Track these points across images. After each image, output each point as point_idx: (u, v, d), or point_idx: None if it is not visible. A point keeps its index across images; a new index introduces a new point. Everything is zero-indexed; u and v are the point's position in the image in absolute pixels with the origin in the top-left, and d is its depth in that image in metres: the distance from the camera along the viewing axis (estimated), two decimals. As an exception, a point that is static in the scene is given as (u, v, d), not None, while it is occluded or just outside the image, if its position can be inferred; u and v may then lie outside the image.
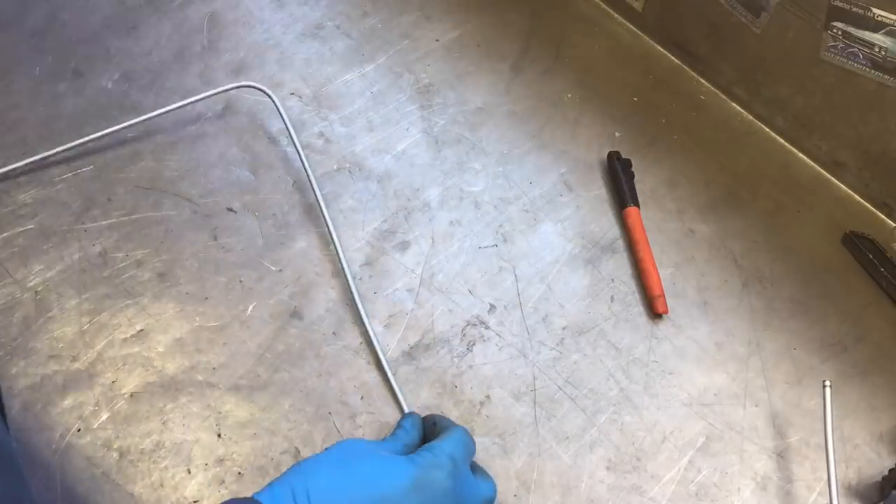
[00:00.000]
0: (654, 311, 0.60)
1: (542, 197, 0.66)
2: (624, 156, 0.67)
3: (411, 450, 0.51)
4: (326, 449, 0.48)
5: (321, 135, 0.69)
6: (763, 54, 0.67)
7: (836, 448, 0.55)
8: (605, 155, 0.68)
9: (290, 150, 0.68)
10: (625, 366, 0.58)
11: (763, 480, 0.54)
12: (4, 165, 0.64)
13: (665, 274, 0.62)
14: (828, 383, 0.52)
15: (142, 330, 0.58)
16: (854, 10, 0.57)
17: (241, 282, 0.61)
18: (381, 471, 0.46)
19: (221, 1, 0.77)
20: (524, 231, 0.64)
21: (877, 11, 0.56)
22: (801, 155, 0.70)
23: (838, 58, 0.61)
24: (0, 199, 0.63)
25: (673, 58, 0.75)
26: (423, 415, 0.54)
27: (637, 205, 0.64)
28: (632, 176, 0.66)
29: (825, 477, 0.52)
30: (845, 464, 0.55)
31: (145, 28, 0.75)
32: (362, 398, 0.56)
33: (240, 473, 0.53)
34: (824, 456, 0.51)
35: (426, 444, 0.49)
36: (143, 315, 0.59)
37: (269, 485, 0.45)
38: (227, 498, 0.46)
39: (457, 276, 0.61)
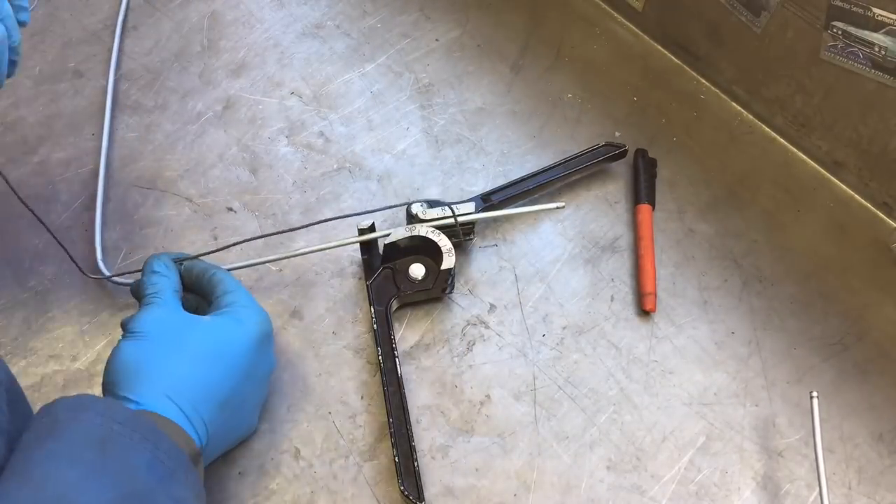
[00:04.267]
0: (643, 307, 0.60)
1: (542, 197, 0.66)
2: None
3: (180, 292, 0.54)
4: (137, 332, 0.49)
5: (321, 134, 0.69)
6: (763, 54, 0.67)
7: (836, 448, 0.55)
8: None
9: (290, 149, 0.68)
10: (625, 365, 0.58)
11: (763, 480, 0.54)
12: (4, 165, 0.65)
13: (665, 274, 0.62)
14: (815, 394, 0.52)
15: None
16: (854, 9, 0.57)
17: (241, 282, 0.60)
18: (222, 341, 0.50)
19: (221, 1, 0.77)
20: (524, 231, 0.64)
21: (877, 11, 0.56)
22: (801, 155, 0.70)
23: (838, 57, 0.61)
24: (0, 199, 0.63)
25: (673, 57, 0.75)
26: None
27: (652, 204, 0.65)
28: (653, 175, 0.66)
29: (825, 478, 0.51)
30: (845, 463, 0.55)
31: (145, 28, 0.75)
32: (362, 398, 0.56)
33: (240, 473, 0.53)
34: (822, 459, 0.51)
35: (228, 298, 0.53)
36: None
37: (115, 388, 0.47)
38: None
39: (456, 276, 0.61)
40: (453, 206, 0.60)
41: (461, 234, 0.60)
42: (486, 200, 0.63)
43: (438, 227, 0.59)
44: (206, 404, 0.47)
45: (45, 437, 0.40)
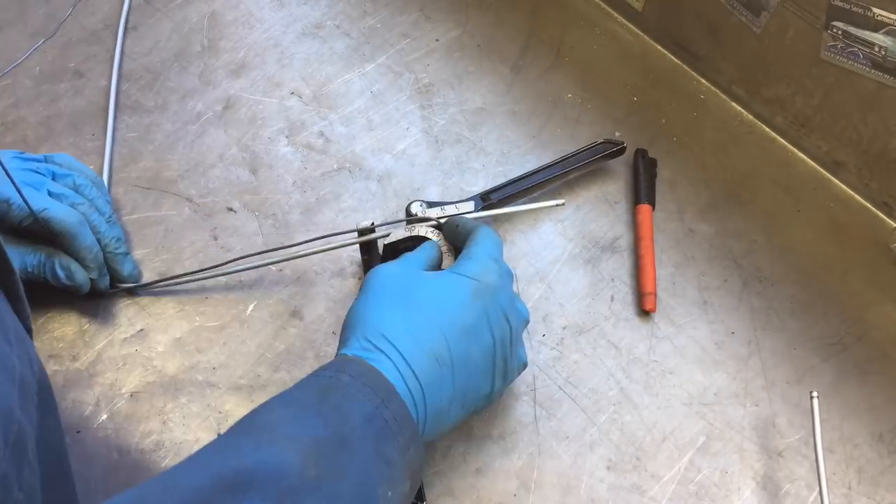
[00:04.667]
0: (643, 307, 0.60)
1: (541, 196, 0.66)
2: (623, 156, 0.67)
3: (436, 263, 0.54)
4: (364, 288, 0.49)
5: (321, 134, 0.69)
6: (763, 54, 0.67)
7: (836, 448, 0.55)
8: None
9: (290, 149, 0.68)
10: (625, 365, 0.58)
11: (763, 480, 0.54)
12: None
13: (665, 274, 0.62)
14: (815, 394, 0.52)
15: (142, 330, 0.58)
16: (854, 9, 0.57)
17: (240, 281, 0.61)
18: (440, 294, 0.48)
19: (221, 1, 0.77)
20: (524, 231, 0.64)
21: (877, 11, 0.56)
22: (801, 154, 0.70)
23: (838, 57, 0.61)
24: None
25: (673, 57, 0.75)
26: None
27: (652, 204, 0.65)
28: (654, 175, 0.66)
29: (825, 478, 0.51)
30: (845, 464, 0.55)
31: (145, 28, 0.75)
32: (362, 398, 0.56)
33: (240, 473, 0.53)
34: (822, 459, 0.51)
35: (463, 253, 0.52)
36: (143, 315, 0.59)
37: (345, 344, 0.46)
38: None
39: (457, 276, 0.61)
40: (452, 206, 0.60)
41: None
42: (485, 199, 0.63)
43: (438, 227, 0.59)
44: (416, 352, 0.45)
45: (285, 391, 0.42)
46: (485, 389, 0.49)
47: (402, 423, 0.42)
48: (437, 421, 0.46)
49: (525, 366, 0.52)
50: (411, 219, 0.59)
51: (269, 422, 0.40)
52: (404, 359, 0.45)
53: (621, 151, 0.66)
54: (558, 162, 0.65)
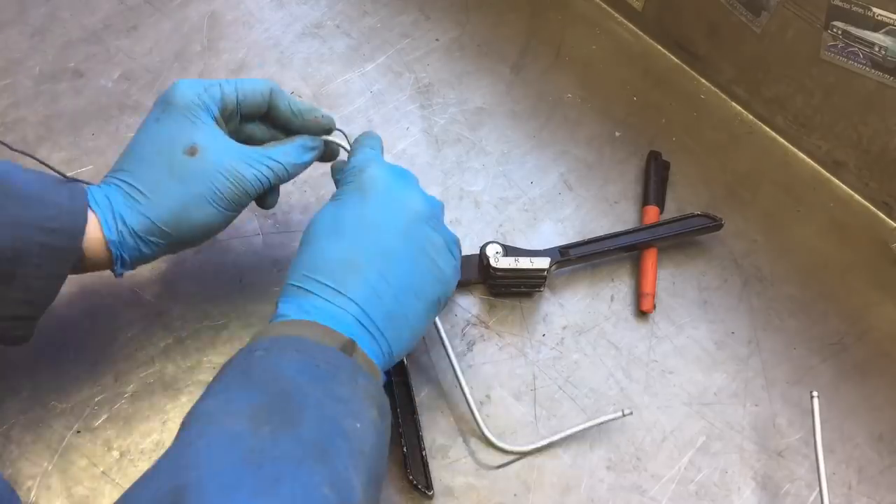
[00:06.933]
0: (640, 307, 0.60)
1: (541, 196, 0.66)
2: (623, 156, 0.67)
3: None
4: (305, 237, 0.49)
5: (321, 134, 0.69)
6: (763, 54, 0.67)
7: (836, 448, 0.55)
8: (605, 154, 0.68)
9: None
10: (625, 365, 0.58)
11: (763, 480, 0.54)
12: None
13: (665, 274, 0.62)
14: (815, 394, 0.52)
15: (142, 329, 0.58)
16: (854, 9, 0.57)
17: (241, 281, 0.61)
18: (337, 212, 0.48)
19: (221, 1, 0.77)
20: (524, 230, 0.64)
21: (877, 11, 0.56)
22: (801, 154, 0.70)
23: (838, 57, 0.61)
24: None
25: (673, 57, 0.75)
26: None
27: (661, 206, 0.64)
28: (665, 178, 0.66)
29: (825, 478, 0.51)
30: (845, 464, 0.55)
31: (145, 28, 0.75)
32: (362, 398, 0.56)
33: (240, 473, 0.53)
34: (822, 459, 0.51)
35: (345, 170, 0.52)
36: (142, 315, 0.59)
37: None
38: None
39: (457, 276, 0.61)
40: (527, 259, 0.58)
41: (531, 284, 0.59)
42: (564, 254, 0.60)
43: (511, 275, 0.58)
44: (336, 270, 0.45)
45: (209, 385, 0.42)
46: (431, 273, 0.48)
47: (335, 364, 0.42)
48: (393, 321, 0.46)
49: (457, 241, 0.51)
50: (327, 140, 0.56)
51: (207, 412, 0.39)
52: (333, 288, 0.45)
53: (718, 227, 0.62)
54: (647, 228, 0.62)
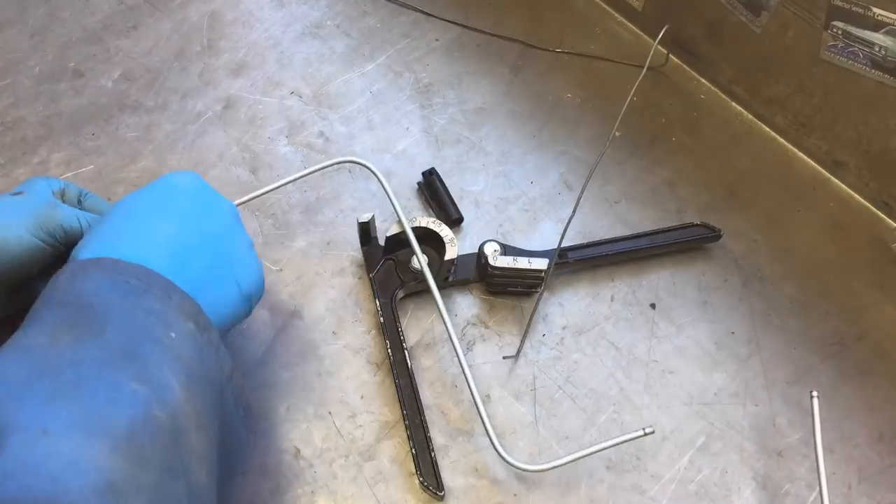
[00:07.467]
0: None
1: (541, 196, 0.66)
2: (623, 156, 0.67)
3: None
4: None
5: (321, 134, 0.69)
6: (763, 53, 0.67)
7: (836, 448, 0.55)
8: (605, 154, 0.68)
9: (290, 149, 0.68)
10: (625, 365, 0.58)
11: (763, 480, 0.54)
12: (4, 165, 0.65)
13: (665, 273, 0.62)
14: (815, 394, 0.52)
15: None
16: (854, 9, 0.57)
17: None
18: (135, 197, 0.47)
19: (221, 1, 0.77)
20: (524, 230, 0.64)
21: (877, 11, 0.56)
22: (801, 154, 0.70)
23: (838, 57, 0.61)
24: None
25: (673, 57, 0.75)
26: None
27: (459, 218, 0.64)
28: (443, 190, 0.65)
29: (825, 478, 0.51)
30: (845, 464, 0.55)
31: (145, 27, 0.75)
32: (362, 398, 0.56)
33: (241, 473, 0.53)
34: (822, 459, 0.51)
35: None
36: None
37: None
38: None
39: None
40: (525, 259, 0.58)
41: (529, 284, 0.59)
42: (562, 256, 0.60)
43: (509, 275, 0.58)
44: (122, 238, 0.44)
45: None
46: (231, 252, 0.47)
47: (146, 280, 0.40)
48: (207, 285, 0.45)
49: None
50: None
51: (10, 339, 0.38)
52: (130, 239, 0.43)
53: (717, 238, 0.63)
54: (646, 235, 0.62)
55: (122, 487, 0.33)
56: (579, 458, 0.51)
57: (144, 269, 0.41)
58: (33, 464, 0.32)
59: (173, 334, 0.39)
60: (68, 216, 0.50)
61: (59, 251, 0.50)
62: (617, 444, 0.52)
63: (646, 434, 0.51)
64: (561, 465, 0.51)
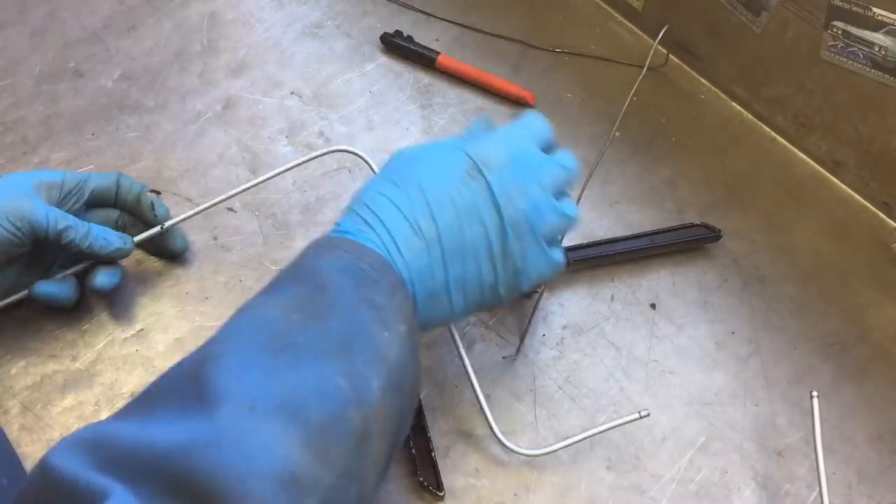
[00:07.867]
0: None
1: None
2: (623, 156, 0.67)
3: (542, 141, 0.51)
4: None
5: (321, 134, 0.69)
6: (763, 54, 0.67)
7: (836, 448, 0.55)
8: (605, 154, 0.68)
9: (290, 149, 0.68)
10: (625, 365, 0.58)
11: (763, 480, 0.54)
12: (4, 165, 0.65)
13: (665, 273, 0.62)
14: (815, 394, 0.52)
15: (142, 329, 0.58)
16: (854, 9, 0.57)
17: (241, 281, 0.61)
18: (434, 169, 0.47)
19: (221, 1, 0.77)
20: (524, 231, 0.64)
21: (877, 11, 0.56)
22: (801, 154, 0.70)
23: (838, 57, 0.61)
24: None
25: (673, 57, 0.75)
26: None
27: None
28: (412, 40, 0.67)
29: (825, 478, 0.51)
30: (845, 464, 0.55)
31: (145, 28, 0.75)
32: (362, 398, 0.56)
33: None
34: (822, 459, 0.51)
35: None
36: (143, 315, 0.59)
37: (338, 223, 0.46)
38: None
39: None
40: None
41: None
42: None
43: None
44: (399, 224, 0.44)
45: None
46: (487, 279, 0.46)
47: (381, 270, 0.42)
48: (432, 301, 0.45)
49: (558, 266, 0.49)
50: None
51: (251, 302, 0.41)
52: (387, 229, 0.44)
53: (717, 238, 0.63)
54: (646, 235, 0.62)
55: (304, 483, 0.33)
56: (581, 441, 0.52)
57: (382, 258, 0.42)
58: (235, 439, 0.33)
59: (386, 333, 0.40)
60: (34, 209, 0.51)
61: (23, 243, 0.51)
62: (613, 427, 0.53)
63: (641, 417, 0.52)
64: (564, 448, 0.52)
